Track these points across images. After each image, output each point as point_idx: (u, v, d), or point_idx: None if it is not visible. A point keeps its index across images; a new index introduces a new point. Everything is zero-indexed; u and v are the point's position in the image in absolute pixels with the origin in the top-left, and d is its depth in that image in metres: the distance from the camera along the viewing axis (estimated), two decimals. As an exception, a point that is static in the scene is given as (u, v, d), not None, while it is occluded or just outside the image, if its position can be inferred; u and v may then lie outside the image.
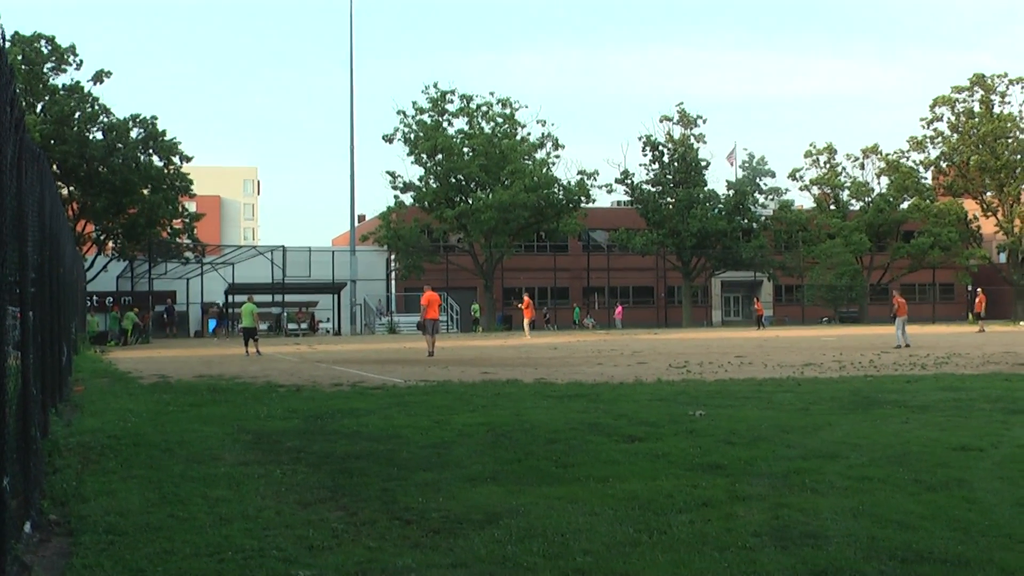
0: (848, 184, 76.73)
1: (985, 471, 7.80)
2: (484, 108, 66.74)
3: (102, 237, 55.26)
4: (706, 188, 71.01)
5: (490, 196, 63.01)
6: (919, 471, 7.76)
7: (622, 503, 6.72)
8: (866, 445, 9.13)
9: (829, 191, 76.90)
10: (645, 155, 71.42)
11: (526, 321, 46.13)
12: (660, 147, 71.15)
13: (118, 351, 35.70)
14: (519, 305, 48.87)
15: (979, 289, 53.69)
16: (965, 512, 6.37)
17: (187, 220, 57.39)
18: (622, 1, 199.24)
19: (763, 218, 72.82)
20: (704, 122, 71.95)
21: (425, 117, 65.83)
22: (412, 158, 65.58)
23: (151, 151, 53.67)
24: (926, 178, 76.75)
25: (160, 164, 54.15)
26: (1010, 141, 72.30)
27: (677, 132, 71.42)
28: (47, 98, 51.26)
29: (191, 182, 56.73)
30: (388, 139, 66.46)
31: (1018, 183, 72.87)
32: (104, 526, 6.20)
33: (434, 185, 65.05)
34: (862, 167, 77.34)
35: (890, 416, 11.34)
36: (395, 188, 66.20)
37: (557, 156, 68.15)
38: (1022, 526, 6.06)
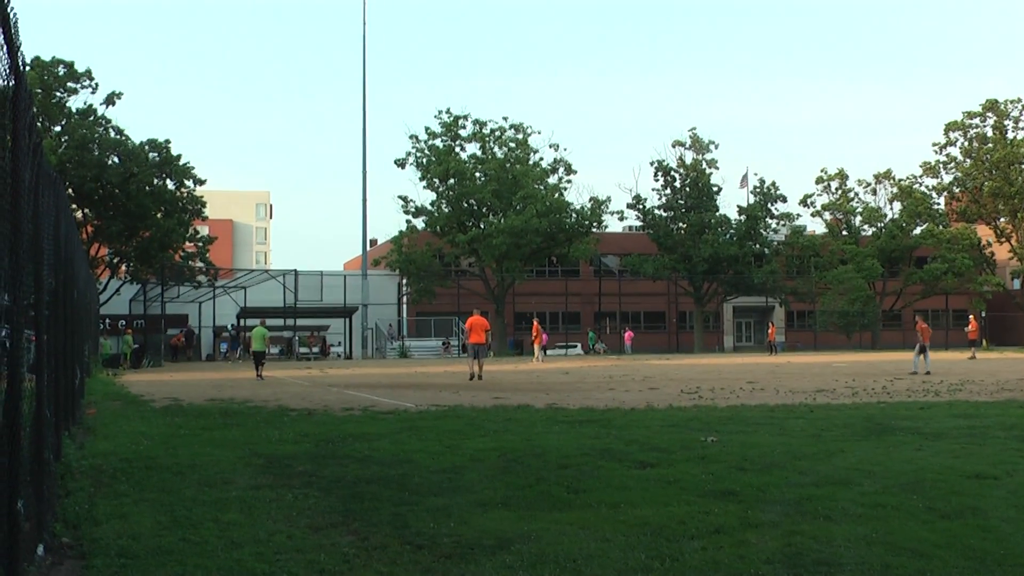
0: (860, 210, 76.60)
1: (1000, 499, 7.74)
2: (497, 133, 67.01)
3: (115, 260, 55.50)
4: (718, 213, 71.06)
5: (502, 221, 63.14)
6: (933, 499, 7.70)
7: (634, 529, 6.69)
8: (879, 472, 9.07)
9: (841, 217, 76.77)
10: (657, 180, 71.64)
11: (536, 346, 46.68)
12: (672, 172, 71.25)
13: (130, 374, 35.77)
14: (532, 340, 48.92)
15: (971, 316, 53.04)
16: (980, 541, 6.32)
17: (200, 244, 57.63)
18: (635, 27, 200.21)
19: (775, 243, 72.70)
20: (716, 147, 72.19)
21: (437, 142, 66.11)
22: (424, 183, 65.89)
23: (165, 175, 53.96)
24: (939, 204, 76.50)
25: (174, 188, 54.44)
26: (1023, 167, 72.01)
27: (689, 157, 71.61)
28: (63, 122, 51.64)
29: (204, 205, 57.03)
30: (400, 164, 66.82)
31: (1032, 209, 72.48)
32: (116, 549, 6.21)
33: (446, 210, 65.24)
34: (874, 193, 77.27)
35: (903, 443, 11.26)
36: (407, 213, 66.58)
37: (569, 181, 68.58)
38: (1037, 555, 6.01)
